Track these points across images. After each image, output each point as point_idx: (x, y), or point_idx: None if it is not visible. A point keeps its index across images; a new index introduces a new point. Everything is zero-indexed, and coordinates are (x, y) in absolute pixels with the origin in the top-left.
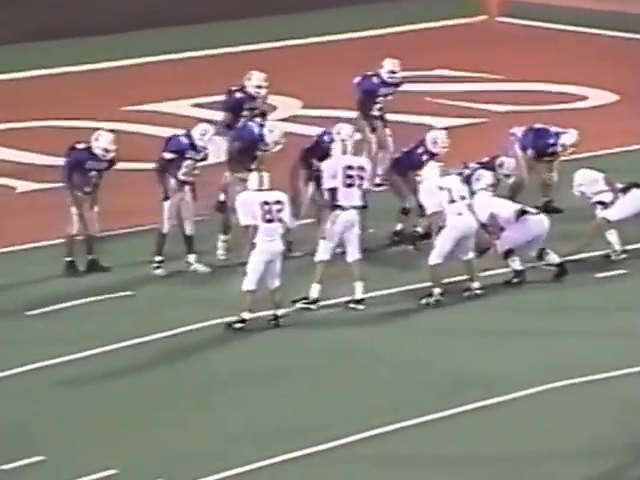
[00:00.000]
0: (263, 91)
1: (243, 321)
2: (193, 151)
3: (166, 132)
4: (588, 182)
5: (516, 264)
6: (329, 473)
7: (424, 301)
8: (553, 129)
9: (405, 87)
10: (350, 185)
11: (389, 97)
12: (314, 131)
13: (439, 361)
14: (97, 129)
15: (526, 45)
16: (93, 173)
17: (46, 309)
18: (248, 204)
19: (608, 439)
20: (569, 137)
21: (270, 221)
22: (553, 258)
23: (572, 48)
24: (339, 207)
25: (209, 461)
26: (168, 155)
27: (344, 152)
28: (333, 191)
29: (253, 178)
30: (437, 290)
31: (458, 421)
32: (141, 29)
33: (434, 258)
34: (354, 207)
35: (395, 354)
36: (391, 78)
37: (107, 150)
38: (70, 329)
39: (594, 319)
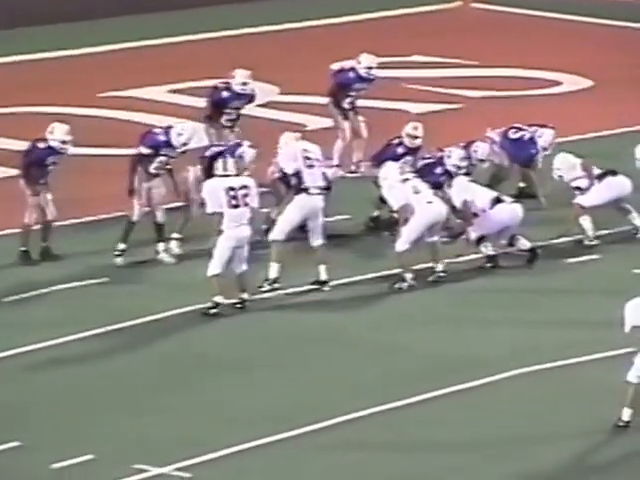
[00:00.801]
0: (249, 88)
1: (217, 305)
2: (168, 148)
3: (144, 118)
4: (566, 167)
5: (489, 250)
6: (304, 458)
7: (397, 286)
8: (528, 134)
9: (382, 73)
10: (311, 166)
11: (362, 92)
12: (292, 117)
13: (412, 346)
14: (75, 115)
15: (501, 31)
16: (51, 167)
17: (22, 296)
18: (214, 191)
19: (578, 423)
20: (546, 139)
21: (236, 206)
22: (524, 244)
23: (546, 34)
24: (304, 190)
25: (185, 446)
26: (145, 150)
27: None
28: (297, 174)
29: (218, 164)
30: (409, 275)
31: (432, 405)
32: (119, 15)
33: (402, 244)
34: (320, 188)
35: (368, 339)
36: (367, 74)
37: (64, 142)
38: (44, 315)
39: (566, 304)
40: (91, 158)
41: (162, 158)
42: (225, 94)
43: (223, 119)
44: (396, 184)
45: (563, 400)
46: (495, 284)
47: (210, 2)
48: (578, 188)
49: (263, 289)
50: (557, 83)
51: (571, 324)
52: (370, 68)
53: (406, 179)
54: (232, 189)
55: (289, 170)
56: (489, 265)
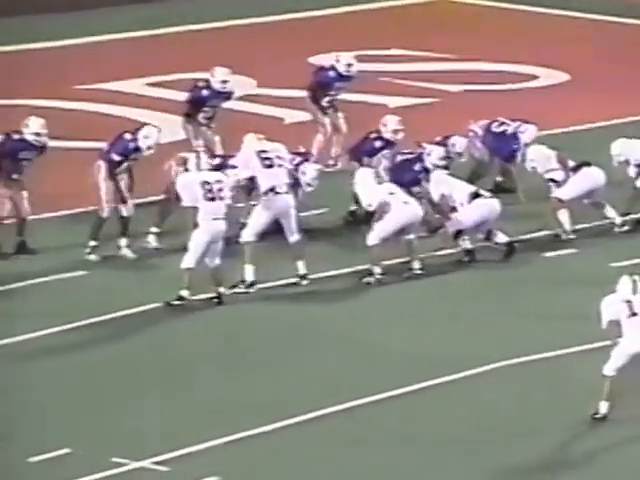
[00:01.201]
0: (229, 86)
1: (181, 299)
2: (137, 153)
3: (121, 111)
4: (541, 159)
5: (466, 243)
6: (283, 452)
7: (365, 280)
8: (511, 128)
9: (360, 67)
10: (270, 166)
11: (341, 91)
12: (270, 111)
13: (390, 340)
14: (50, 108)
15: (479, 25)
16: (25, 162)
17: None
18: (189, 185)
19: (556, 416)
20: (529, 135)
21: (212, 199)
22: (501, 238)
23: (524, 28)
24: (271, 190)
25: (162, 440)
26: (116, 157)
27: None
28: (253, 179)
29: (191, 160)
30: (377, 269)
31: (410, 399)
32: (97, 7)
33: (372, 239)
34: (287, 186)
35: (346, 334)
36: (347, 72)
37: (39, 134)
38: (20, 309)
39: (543, 298)
40: (66, 151)
41: (130, 162)
42: (205, 92)
43: (200, 116)
44: (371, 185)
45: (540, 393)
46: (473, 278)
47: None
48: (552, 180)
49: (238, 290)
50: (534, 77)
51: (548, 318)
52: (350, 65)
53: (380, 183)
54: (207, 183)
55: (243, 175)
56: (467, 259)
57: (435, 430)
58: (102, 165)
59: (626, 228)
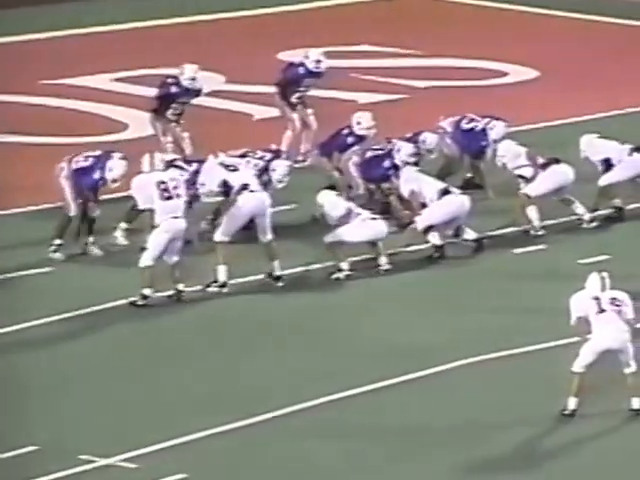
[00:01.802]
0: (198, 83)
1: (145, 297)
2: (102, 184)
3: (87, 106)
4: (510, 155)
5: (436, 239)
6: (257, 446)
7: (335, 276)
8: (480, 125)
9: (329, 63)
10: (235, 170)
11: (310, 87)
12: (238, 106)
13: (360, 336)
14: (15, 103)
15: (448, 21)
16: None
17: None
18: (144, 187)
19: (525, 411)
20: (497, 132)
21: (168, 198)
22: (470, 234)
23: (493, 25)
24: (245, 188)
25: (131, 437)
26: (87, 193)
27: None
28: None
29: (145, 160)
30: (345, 265)
31: (387, 393)
32: (63, 2)
33: (329, 237)
34: (260, 185)
35: (320, 327)
36: (317, 68)
37: None
38: None
39: (512, 294)
40: (30, 146)
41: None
42: (174, 89)
43: (169, 113)
44: (337, 203)
45: (509, 389)
46: (443, 274)
47: None
48: (521, 176)
49: (210, 289)
50: (503, 73)
51: (518, 313)
52: (319, 62)
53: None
54: (162, 182)
55: (214, 187)
56: (436, 255)
57: (405, 423)
58: (65, 166)
59: (594, 224)
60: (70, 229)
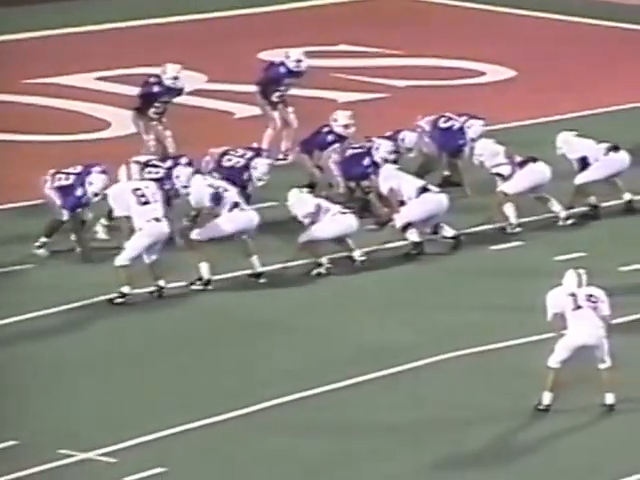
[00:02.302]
0: (180, 82)
1: (123, 295)
2: (85, 203)
3: (71, 105)
4: (488, 154)
5: (414, 236)
6: (232, 441)
7: (315, 272)
8: (457, 124)
9: (310, 62)
10: (226, 190)
11: (291, 86)
12: (220, 105)
13: (340, 331)
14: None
15: (425, 22)
16: None
17: None
18: (120, 195)
19: (501, 406)
20: (475, 130)
21: (145, 203)
22: (448, 231)
23: (471, 25)
24: (236, 206)
25: (109, 431)
26: (65, 212)
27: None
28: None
29: (122, 171)
30: (324, 260)
31: (359, 389)
32: (46, 2)
33: (304, 237)
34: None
35: (296, 324)
36: (297, 67)
37: None
38: None
39: (489, 290)
40: (13, 144)
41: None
42: (156, 88)
43: (151, 111)
44: (306, 201)
45: (486, 384)
46: (421, 270)
47: None
48: (499, 175)
49: (195, 287)
50: (480, 73)
51: (495, 309)
52: (299, 61)
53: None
54: (138, 189)
55: (207, 203)
56: (415, 252)
57: (383, 419)
58: (49, 179)
59: (570, 222)
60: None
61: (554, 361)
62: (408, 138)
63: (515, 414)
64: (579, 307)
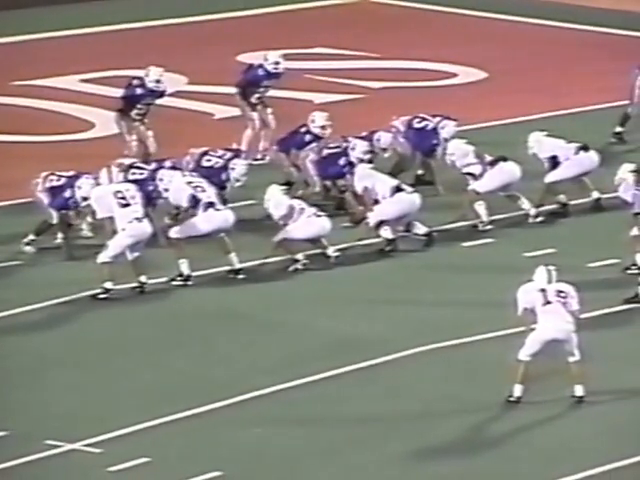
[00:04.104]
0: (162, 85)
1: (106, 291)
2: (74, 204)
3: (57, 106)
4: (459, 153)
5: (387, 233)
6: (211, 434)
7: (292, 268)
8: (431, 124)
9: (287, 64)
10: (203, 191)
11: (269, 88)
12: (200, 106)
13: (316, 325)
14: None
15: (400, 25)
16: None
17: None
18: (102, 198)
19: (473, 399)
20: (448, 131)
21: (126, 205)
22: (420, 228)
23: (444, 28)
24: (211, 205)
25: (95, 423)
26: (54, 213)
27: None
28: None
29: (103, 174)
30: (300, 256)
31: (335, 382)
32: (33, 6)
33: (279, 236)
34: (221, 202)
35: (273, 319)
36: (275, 69)
37: None
38: None
39: (462, 286)
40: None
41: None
42: (139, 90)
43: (134, 113)
44: (281, 202)
45: (458, 376)
46: (394, 266)
47: None
48: (470, 174)
49: (175, 283)
50: (453, 75)
51: (467, 304)
52: (277, 64)
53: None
54: (119, 192)
55: (184, 203)
56: (388, 248)
57: (358, 412)
58: (40, 182)
59: (540, 219)
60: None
61: (524, 354)
62: (383, 138)
63: (486, 406)
64: (549, 302)
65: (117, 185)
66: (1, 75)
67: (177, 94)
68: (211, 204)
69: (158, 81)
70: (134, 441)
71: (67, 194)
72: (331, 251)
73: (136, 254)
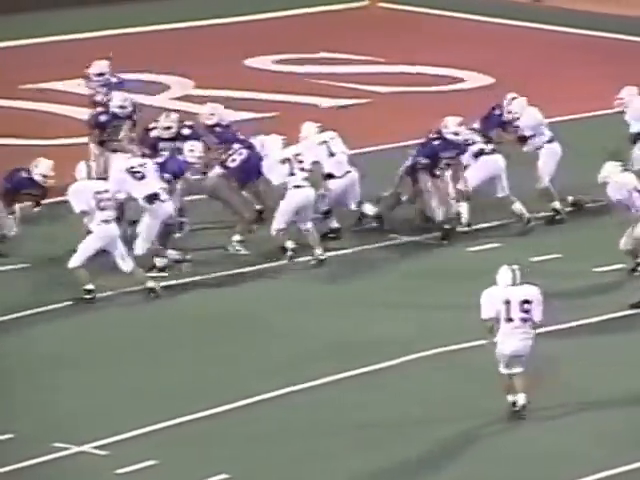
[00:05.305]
0: (128, 110)
1: (89, 292)
2: (31, 187)
3: (65, 110)
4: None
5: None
6: (220, 436)
7: (288, 256)
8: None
9: (291, 69)
10: (142, 178)
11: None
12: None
13: (315, 329)
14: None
15: (407, 29)
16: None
17: None
18: (80, 193)
19: (478, 403)
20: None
21: (102, 209)
22: (369, 209)
23: (450, 33)
24: (155, 198)
25: (103, 425)
26: (7, 186)
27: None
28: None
29: (80, 168)
30: (290, 244)
31: (338, 387)
32: (40, 9)
33: (276, 224)
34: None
35: (273, 322)
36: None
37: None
38: None
39: (466, 290)
40: (13, 148)
41: (25, 196)
42: (103, 117)
43: (104, 137)
44: (276, 162)
45: (461, 381)
46: (398, 269)
47: None
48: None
49: (155, 275)
50: (460, 80)
51: (471, 308)
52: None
53: (286, 159)
54: (98, 192)
55: (121, 196)
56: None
57: (358, 416)
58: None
59: (533, 224)
60: None
61: (503, 368)
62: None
63: (488, 411)
64: (510, 320)
65: (95, 184)
66: (9, 78)
67: (184, 98)
68: (154, 196)
69: (122, 107)
70: (141, 444)
71: (23, 174)
72: (319, 252)
73: (130, 266)
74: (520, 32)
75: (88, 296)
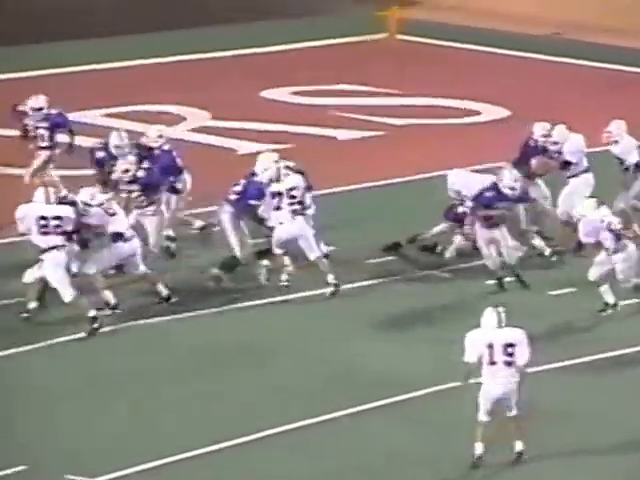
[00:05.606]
0: (125, 151)
1: (94, 320)
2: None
3: (79, 140)
4: (462, 182)
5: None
6: (234, 469)
7: (283, 280)
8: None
9: (309, 101)
10: (113, 214)
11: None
12: (223, 142)
13: (328, 359)
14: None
15: (424, 62)
16: None
17: None
18: (26, 217)
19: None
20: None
21: (45, 234)
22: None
23: (467, 65)
24: (120, 237)
25: (115, 457)
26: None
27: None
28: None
29: (39, 193)
30: (286, 259)
31: (354, 419)
32: (55, 40)
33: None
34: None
35: (292, 351)
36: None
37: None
38: None
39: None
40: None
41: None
42: (100, 154)
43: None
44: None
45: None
46: (414, 302)
47: (143, 29)
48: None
49: (103, 313)
50: (476, 112)
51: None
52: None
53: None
54: (44, 218)
55: (117, 229)
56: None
57: (377, 447)
58: None
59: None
60: None
61: (482, 416)
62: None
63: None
64: (494, 363)
65: (44, 209)
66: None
67: (201, 129)
68: (119, 235)
69: (118, 147)
70: (156, 477)
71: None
72: (331, 277)
73: (71, 296)
74: (539, 65)
75: (95, 325)
